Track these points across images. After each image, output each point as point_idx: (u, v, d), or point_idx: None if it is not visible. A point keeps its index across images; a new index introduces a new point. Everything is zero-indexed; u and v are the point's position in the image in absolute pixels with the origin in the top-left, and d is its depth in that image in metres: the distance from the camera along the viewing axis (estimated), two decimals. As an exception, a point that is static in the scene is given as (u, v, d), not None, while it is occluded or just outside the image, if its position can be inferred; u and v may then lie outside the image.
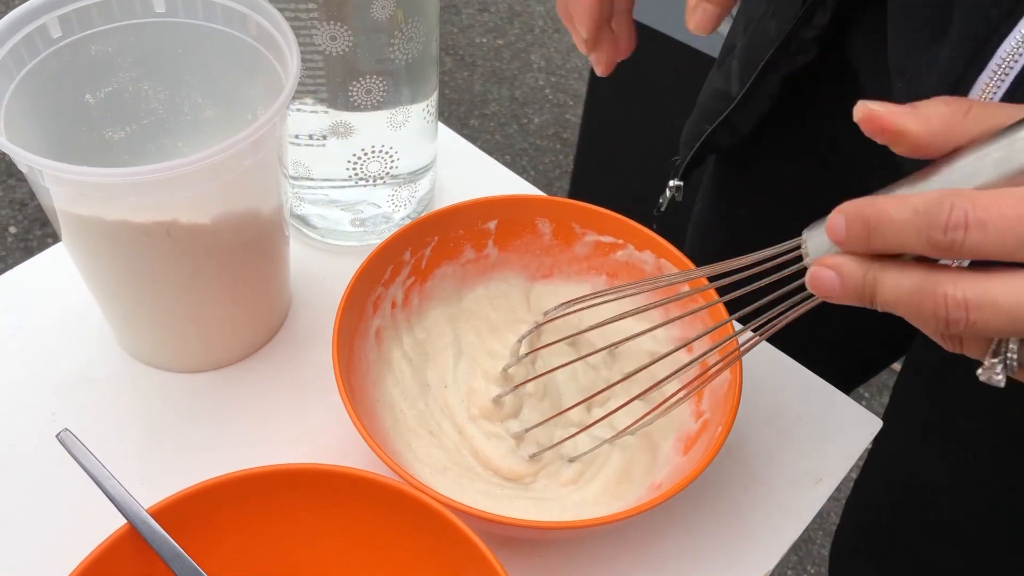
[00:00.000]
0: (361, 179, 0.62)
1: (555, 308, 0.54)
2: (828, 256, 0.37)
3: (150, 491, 0.47)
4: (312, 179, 0.62)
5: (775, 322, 0.43)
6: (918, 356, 0.71)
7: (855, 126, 0.37)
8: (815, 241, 0.39)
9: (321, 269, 0.65)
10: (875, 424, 0.61)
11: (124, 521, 0.43)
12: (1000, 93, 0.44)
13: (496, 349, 0.59)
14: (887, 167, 0.58)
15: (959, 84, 0.45)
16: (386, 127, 0.59)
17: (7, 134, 0.48)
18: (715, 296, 0.53)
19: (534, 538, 0.54)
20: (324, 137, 0.59)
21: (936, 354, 0.68)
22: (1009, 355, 0.34)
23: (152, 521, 0.43)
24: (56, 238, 0.63)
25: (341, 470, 0.45)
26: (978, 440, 0.65)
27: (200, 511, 0.44)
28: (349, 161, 0.60)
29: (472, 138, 0.72)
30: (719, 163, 0.79)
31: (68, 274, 0.62)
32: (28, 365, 0.59)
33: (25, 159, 0.44)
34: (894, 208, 0.34)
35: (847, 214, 0.36)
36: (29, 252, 1.63)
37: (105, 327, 0.60)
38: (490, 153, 0.75)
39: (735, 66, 0.68)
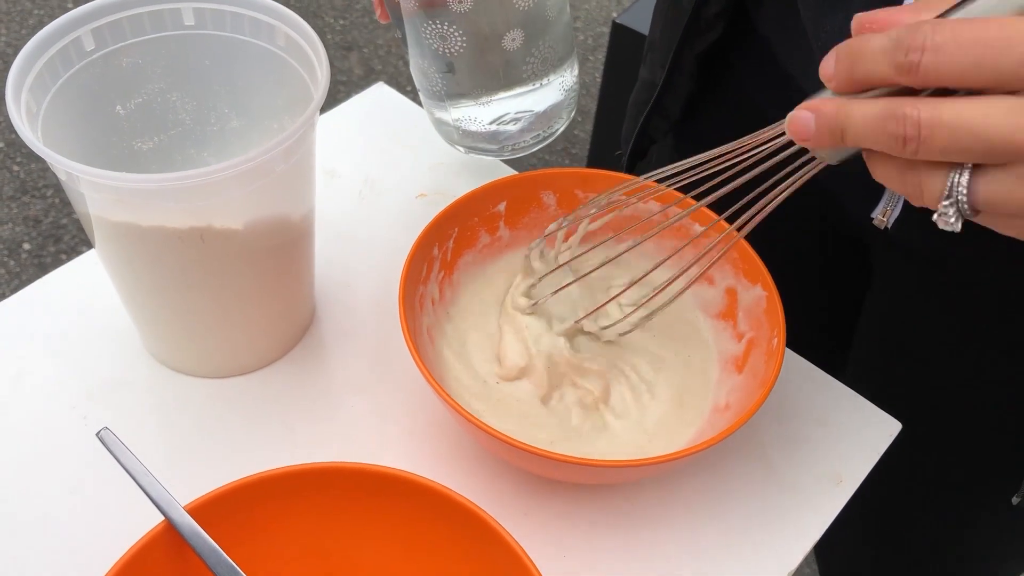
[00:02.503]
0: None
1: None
2: (807, 100, 0.40)
3: (180, 493, 0.48)
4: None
5: (770, 197, 0.45)
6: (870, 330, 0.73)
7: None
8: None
9: (343, 275, 0.66)
10: (894, 426, 0.61)
11: (160, 519, 0.44)
12: None
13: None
14: None
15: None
16: None
17: (44, 142, 0.49)
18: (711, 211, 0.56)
19: (616, 480, 0.57)
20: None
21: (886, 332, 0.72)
22: (959, 194, 0.36)
23: (189, 518, 0.43)
24: (69, 255, 0.65)
25: (374, 468, 0.46)
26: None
27: (235, 508, 0.45)
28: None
29: (482, 153, 0.75)
30: (669, 148, 0.81)
31: (94, 284, 0.63)
32: (59, 372, 0.60)
33: (64, 166, 0.45)
34: (876, 37, 0.37)
35: (838, 49, 0.38)
36: (43, 268, 1.65)
37: (133, 334, 0.61)
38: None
39: (655, 56, 0.72)
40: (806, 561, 1.26)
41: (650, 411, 0.58)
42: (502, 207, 0.63)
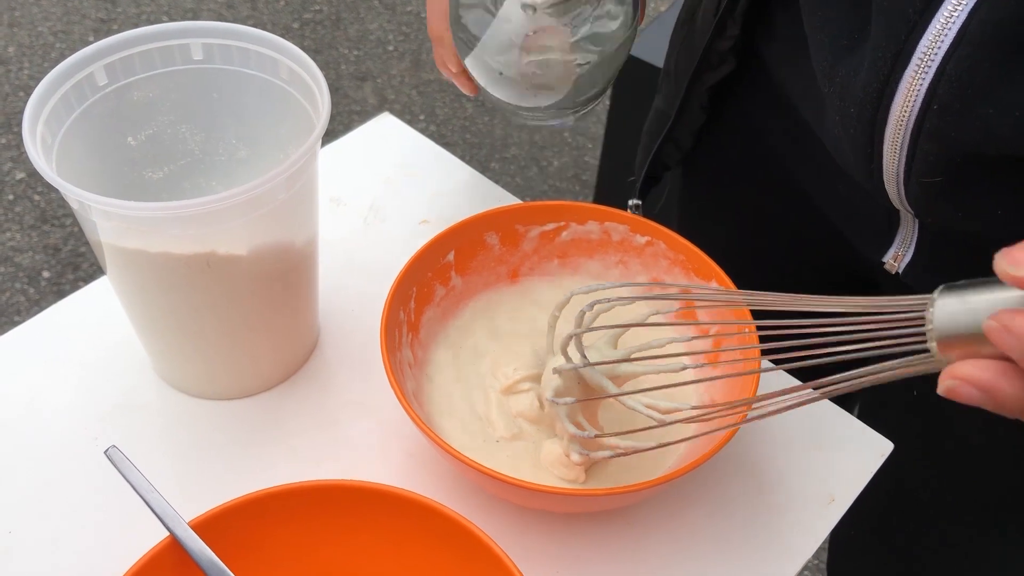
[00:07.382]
0: None
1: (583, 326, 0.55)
2: (972, 369, 0.33)
3: (186, 510, 0.49)
4: None
5: (847, 383, 0.39)
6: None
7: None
8: (947, 312, 0.34)
9: (347, 300, 0.68)
10: (886, 446, 0.62)
11: (165, 534, 0.46)
12: (926, 83, 0.47)
13: (502, 361, 0.62)
14: (828, 173, 0.62)
15: (888, 80, 0.49)
16: None
17: (59, 172, 0.51)
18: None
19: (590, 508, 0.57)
20: None
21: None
22: None
23: (193, 533, 0.45)
24: (87, 282, 0.67)
25: (374, 486, 0.47)
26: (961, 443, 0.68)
27: (239, 524, 0.47)
28: None
29: (493, 181, 0.75)
30: (678, 188, 0.83)
31: (107, 310, 0.65)
32: (72, 394, 0.62)
33: (76, 195, 0.48)
34: None
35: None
36: (62, 296, 1.67)
37: (143, 358, 0.63)
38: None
39: (669, 87, 0.74)
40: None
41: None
42: (451, 256, 0.63)
